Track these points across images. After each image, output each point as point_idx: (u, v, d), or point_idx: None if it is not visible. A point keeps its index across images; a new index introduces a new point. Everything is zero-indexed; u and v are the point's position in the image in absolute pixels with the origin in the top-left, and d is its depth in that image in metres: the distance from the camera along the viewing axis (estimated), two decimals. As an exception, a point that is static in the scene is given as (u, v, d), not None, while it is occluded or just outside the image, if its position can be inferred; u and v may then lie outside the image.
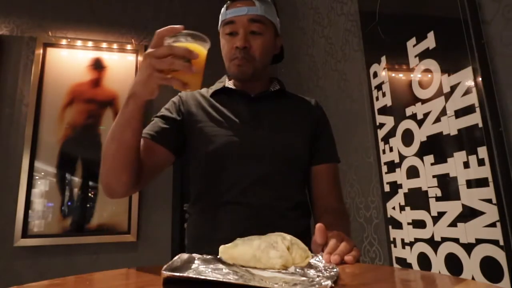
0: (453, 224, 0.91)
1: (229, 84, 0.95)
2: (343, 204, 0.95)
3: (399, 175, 1.12)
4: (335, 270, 0.45)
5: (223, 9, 0.89)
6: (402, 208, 1.11)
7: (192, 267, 0.46)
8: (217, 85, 0.94)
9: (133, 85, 0.67)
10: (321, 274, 0.44)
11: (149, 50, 0.62)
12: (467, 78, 0.87)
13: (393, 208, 1.15)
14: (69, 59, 2.26)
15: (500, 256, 0.77)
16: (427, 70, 1.01)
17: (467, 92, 0.87)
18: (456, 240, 0.89)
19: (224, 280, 0.39)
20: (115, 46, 2.33)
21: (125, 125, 0.71)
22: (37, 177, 2.05)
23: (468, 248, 0.86)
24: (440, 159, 0.96)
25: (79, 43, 2.28)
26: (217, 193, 0.82)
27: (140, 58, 2.34)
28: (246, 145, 0.83)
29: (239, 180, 0.81)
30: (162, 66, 0.60)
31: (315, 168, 0.92)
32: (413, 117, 1.06)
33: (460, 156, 0.89)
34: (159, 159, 0.83)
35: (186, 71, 0.60)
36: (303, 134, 0.90)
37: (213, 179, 0.83)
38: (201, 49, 0.64)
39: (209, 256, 0.52)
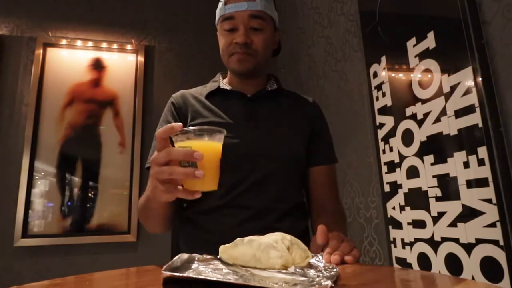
0: (453, 224, 0.91)
1: (224, 83, 0.92)
2: (341, 205, 0.95)
3: (399, 175, 1.12)
4: (335, 270, 0.45)
5: (220, 4, 0.87)
6: (402, 208, 1.11)
7: (192, 267, 0.46)
8: (211, 85, 0.92)
9: (149, 191, 0.64)
10: (321, 274, 0.44)
11: (153, 155, 0.55)
12: (467, 78, 0.87)
13: (393, 208, 1.15)
14: (69, 59, 2.26)
15: (500, 256, 0.77)
16: (427, 70, 1.01)
17: (467, 92, 0.87)
18: (456, 240, 0.89)
19: (224, 280, 0.39)
20: (115, 46, 2.33)
21: (155, 209, 0.76)
22: (37, 177, 2.05)
23: (468, 248, 0.85)
24: (440, 159, 0.96)
25: (79, 43, 2.28)
26: (215, 197, 0.81)
27: (140, 58, 2.34)
28: (243, 147, 0.81)
29: (238, 183, 0.80)
30: (162, 176, 0.53)
31: (312, 169, 0.91)
32: (413, 117, 1.06)
33: (460, 156, 0.89)
34: None
35: (189, 178, 0.52)
36: (301, 134, 0.89)
37: None
38: (214, 145, 0.56)
39: (209, 256, 0.52)
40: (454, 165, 0.90)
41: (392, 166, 1.16)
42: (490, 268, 0.80)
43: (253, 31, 0.84)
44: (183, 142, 0.54)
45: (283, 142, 0.85)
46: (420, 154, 1.03)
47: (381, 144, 1.22)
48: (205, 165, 0.52)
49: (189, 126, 0.85)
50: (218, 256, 0.51)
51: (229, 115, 0.85)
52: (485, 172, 0.81)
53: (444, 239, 0.93)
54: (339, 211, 0.91)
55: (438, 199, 0.96)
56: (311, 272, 0.45)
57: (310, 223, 0.92)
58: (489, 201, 0.80)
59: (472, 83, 0.85)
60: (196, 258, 0.51)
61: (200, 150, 0.51)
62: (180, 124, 0.53)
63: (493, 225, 0.79)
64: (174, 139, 0.56)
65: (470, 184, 0.86)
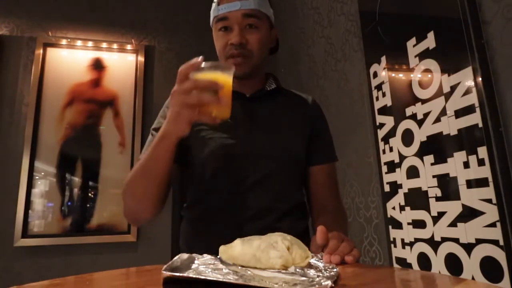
0: (453, 224, 0.91)
1: None
2: (341, 204, 0.94)
3: (399, 175, 1.12)
4: (335, 270, 0.45)
5: (214, 5, 0.86)
6: (402, 208, 1.11)
7: (192, 267, 0.46)
8: None
9: (165, 124, 0.65)
10: (321, 274, 0.43)
11: (175, 86, 0.61)
12: (467, 78, 0.87)
13: (393, 208, 1.15)
14: (69, 59, 2.26)
15: (500, 256, 0.77)
16: (427, 70, 1.01)
17: (467, 92, 0.87)
18: (456, 240, 0.89)
19: (224, 280, 0.39)
20: (115, 46, 2.33)
21: (158, 161, 0.71)
22: (37, 177, 2.05)
23: (468, 248, 0.85)
24: (440, 159, 0.96)
25: (79, 43, 2.28)
26: (215, 197, 0.81)
27: (140, 58, 2.34)
28: (243, 147, 0.81)
29: (237, 183, 0.80)
30: (190, 100, 0.58)
31: (312, 168, 0.91)
32: (413, 117, 1.06)
33: (460, 156, 0.89)
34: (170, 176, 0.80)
35: (214, 103, 0.59)
36: (300, 133, 0.89)
37: (211, 183, 0.81)
38: (226, 78, 0.63)
39: (209, 256, 0.52)
40: (454, 165, 0.90)
41: (392, 166, 1.16)
42: (490, 268, 0.80)
43: (248, 29, 0.83)
44: (201, 75, 0.61)
45: (283, 142, 0.85)
46: (420, 154, 1.03)
47: (381, 144, 1.22)
48: (223, 95, 0.59)
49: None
50: (218, 256, 0.51)
51: None
52: (485, 172, 0.81)
53: (444, 239, 0.93)
54: (340, 211, 0.91)
55: (438, 199, 0.96)
56: (311, 272, 0.45)
57: (310, 223, 0.92)
58: (489, 201, 0.80)
59: (472, 83, 0.85)
60: (196, 258, 0.51)
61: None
62: (199, 58, 0.59)
63: (493, 225, 0.79)
64: (191, 74, 0.61)
65: (470, 184, 0.86)
